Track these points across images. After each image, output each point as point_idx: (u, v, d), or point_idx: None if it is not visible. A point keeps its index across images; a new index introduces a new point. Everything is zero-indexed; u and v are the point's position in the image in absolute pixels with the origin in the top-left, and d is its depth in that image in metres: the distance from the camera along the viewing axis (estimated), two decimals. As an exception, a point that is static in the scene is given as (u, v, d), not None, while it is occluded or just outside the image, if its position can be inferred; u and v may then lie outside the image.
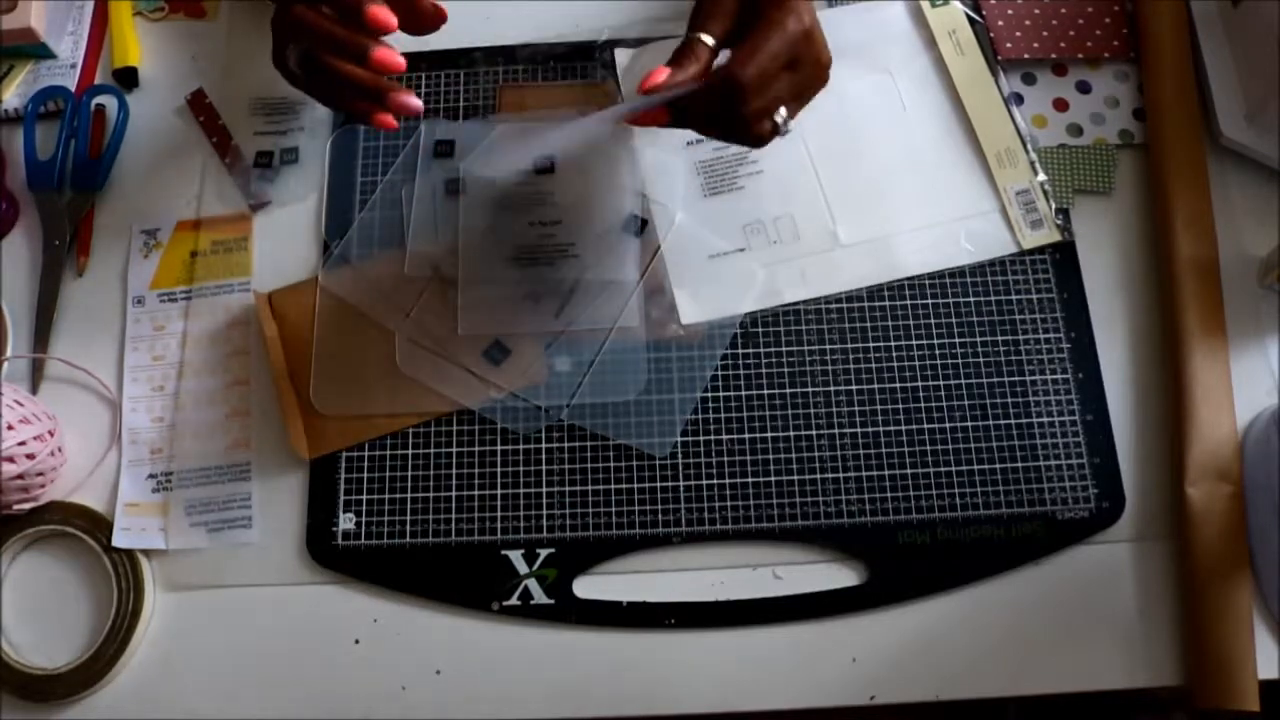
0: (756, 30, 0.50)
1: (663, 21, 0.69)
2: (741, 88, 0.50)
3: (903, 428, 0.60)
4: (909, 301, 0.62)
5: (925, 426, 0.60)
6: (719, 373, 0.61)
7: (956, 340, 0.61)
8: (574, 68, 0.68)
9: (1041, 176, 0.64)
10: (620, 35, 0.68)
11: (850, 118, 0.66)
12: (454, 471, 0.59)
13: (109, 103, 0.68)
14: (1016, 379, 0.60)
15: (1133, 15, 0.67)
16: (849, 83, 0.66)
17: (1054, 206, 0.63)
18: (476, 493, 0.59)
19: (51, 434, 0.59)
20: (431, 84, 0.68)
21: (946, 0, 0.68)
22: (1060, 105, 0.66)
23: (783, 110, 0.53)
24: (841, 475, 0.59)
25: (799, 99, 0.54)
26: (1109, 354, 0.61)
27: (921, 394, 0.60)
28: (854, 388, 0.60)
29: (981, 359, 0.61)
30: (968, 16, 0.68)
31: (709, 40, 0.52)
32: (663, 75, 0.51)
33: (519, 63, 0.68)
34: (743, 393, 0.60)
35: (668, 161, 0.65)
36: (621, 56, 0.68)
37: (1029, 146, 0.65)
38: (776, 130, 0.53)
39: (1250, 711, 0.53)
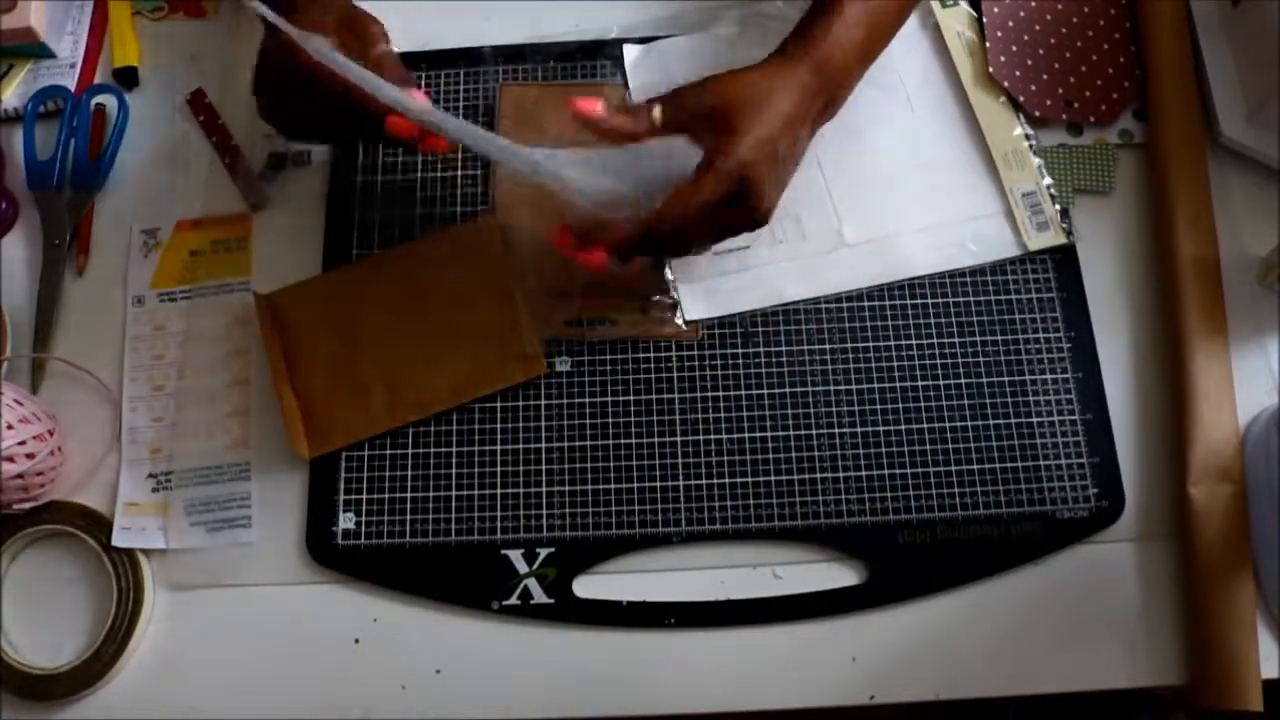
0: (697, 178, 0.51)
1: (672, 19, 0.68)
2: (660, 238, 0.53)
3: (903, 428, 0.60)
4: (909, 301, 0.62)
5: (925, 426, 0.59)
6: (719, 372, 0.61)
7: (956, 340, 0.61)
8: (577, 67, 0.68)
9: (1048, 180, 0.64)
10: (628, 34, 0.68)
11: (857, 117, 0.65)
12: (454, 471, 0.59)
13: (109, 102, 0.68)
14: (1016, 379, 0.60)
15: (1133, 15, 0.67)
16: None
17: (1058, 208, 0.63)
18: (476, 493, 0.59)
19: (51, 434, 0.58)
20: (431, 84, 0.68)
21: (956, 1, 0.68)
22: (1060, 105, 0.66)
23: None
24: (841, 475, 0.59)
25: (725, 235, 0.56)
26: (1109, 354, 0.61)
27: (921, 394, 0.60)
28: (854, 387, 0.60)
29: (981, 359, 0.61)
30: (976, 17, 0.67)
31: (656, 118, 0.53)
32: (596, 107, 0.52)
33: (526, 62, 0.68)
34: (742, 393, 0.60)
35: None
36: (630, 54, 0.67)
37: (1035, 148, 0.64)
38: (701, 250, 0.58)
39: (1254, 711, 0.53)
